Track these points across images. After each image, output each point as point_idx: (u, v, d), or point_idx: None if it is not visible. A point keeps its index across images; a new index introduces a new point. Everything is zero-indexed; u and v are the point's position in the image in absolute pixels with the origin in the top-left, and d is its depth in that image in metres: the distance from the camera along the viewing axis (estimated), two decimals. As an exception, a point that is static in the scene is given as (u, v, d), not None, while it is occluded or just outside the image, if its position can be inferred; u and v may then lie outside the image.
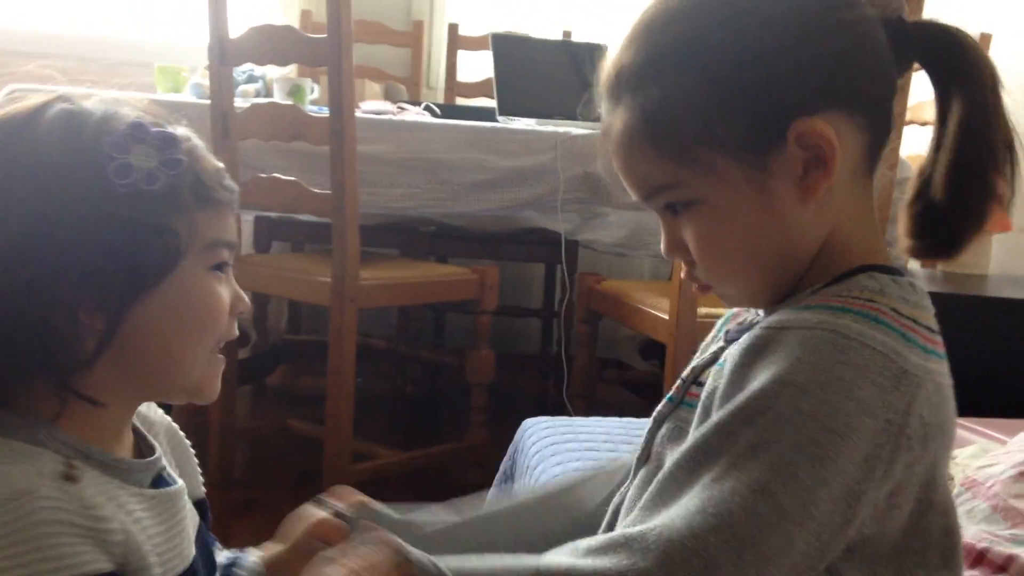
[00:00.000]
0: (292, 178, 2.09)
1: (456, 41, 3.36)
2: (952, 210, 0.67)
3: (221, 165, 0.76)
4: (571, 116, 2.38)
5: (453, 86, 3.37)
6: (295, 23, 3.10)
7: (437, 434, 2.77)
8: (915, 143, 2.91)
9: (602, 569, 0.61)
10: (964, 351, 2.05)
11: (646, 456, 0.78)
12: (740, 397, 0.62)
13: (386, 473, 2.29)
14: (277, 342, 2.95)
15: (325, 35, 1.96)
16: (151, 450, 0.78)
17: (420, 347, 2.92)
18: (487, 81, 2.97)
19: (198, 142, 0.75)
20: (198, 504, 0.84)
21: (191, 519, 0.79)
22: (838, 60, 0.66)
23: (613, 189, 2.05)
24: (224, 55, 2.13)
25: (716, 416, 0.63)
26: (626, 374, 2.96)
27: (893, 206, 2.09)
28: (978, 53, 0.68)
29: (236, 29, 2.12)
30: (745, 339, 0.65)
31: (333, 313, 2.07)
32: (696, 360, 0.78)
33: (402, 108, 2.53)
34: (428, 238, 2.80)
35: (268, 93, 2.59)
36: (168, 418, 0.86)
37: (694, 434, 0.65)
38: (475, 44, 3.30)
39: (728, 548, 0.59)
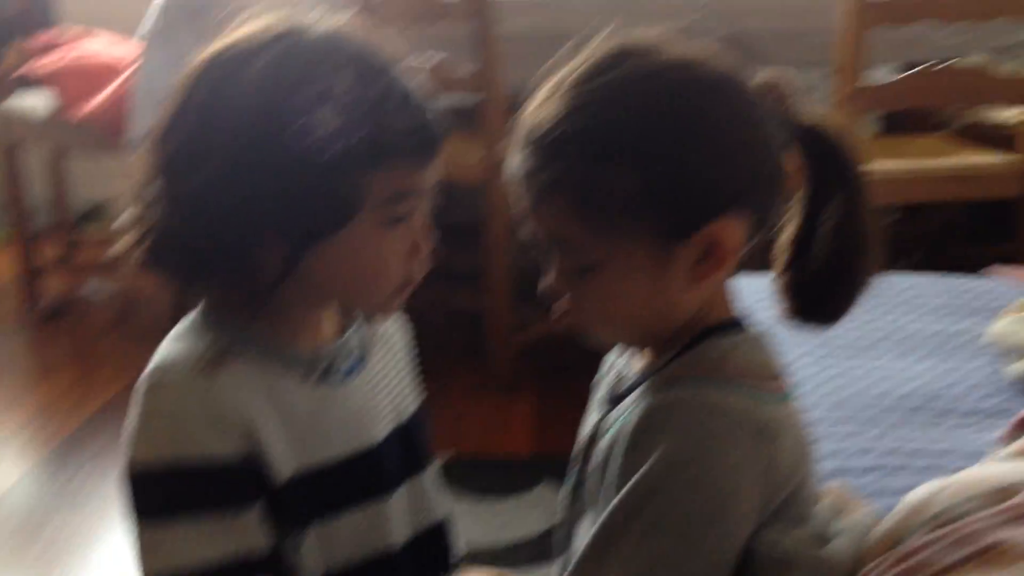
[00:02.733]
0: (438, 58, 2.11)
1: (592, -95, 3.25)
2: (832, 293, 0.75)
3: (419, 122, 0.76)
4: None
5: (591, -47, 3.27)
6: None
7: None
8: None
9: None
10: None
11: (566, 538, 0.83)
12: (632, 482, 0.69)
13: (547, 342, 2.36)
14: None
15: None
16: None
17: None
18: (626, -55, 2.88)
19: (402, 89, 0.76)
20: (417, 411, 0.92)
21: (383, 414, 0.86)
22: (753, 170, 0.71)
23: (767, 48, 1.99)
24: (366, -61, 2.15)
25: (612, 504, 0.70)
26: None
27: None
28: (856, 159, 0.74)
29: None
30: (626, 425, 0.72)
31: (485, 190, 2.12)
32: (581, 438, 0.82)
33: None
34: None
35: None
36: (404, 331, 0.94)
37: (593, 526, 0.71)
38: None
39: None
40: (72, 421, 2.24)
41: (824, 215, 0.74)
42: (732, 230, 0.70)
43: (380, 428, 0.85)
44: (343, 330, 0.86)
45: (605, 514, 0.71)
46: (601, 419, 0.80)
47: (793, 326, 0.77)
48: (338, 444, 0.81)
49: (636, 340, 0.78)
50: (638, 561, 0.69)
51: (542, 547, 1.68)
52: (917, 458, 1.03)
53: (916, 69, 1.92)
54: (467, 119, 2.18)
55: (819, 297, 0.75)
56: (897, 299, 1.52)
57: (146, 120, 2.33)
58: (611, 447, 0.74)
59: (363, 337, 0.88)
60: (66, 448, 2.12)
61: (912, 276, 1.63)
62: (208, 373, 0.76)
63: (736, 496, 0.68)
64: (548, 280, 0.75)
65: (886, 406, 1.17)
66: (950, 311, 1.47)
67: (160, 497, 0.74)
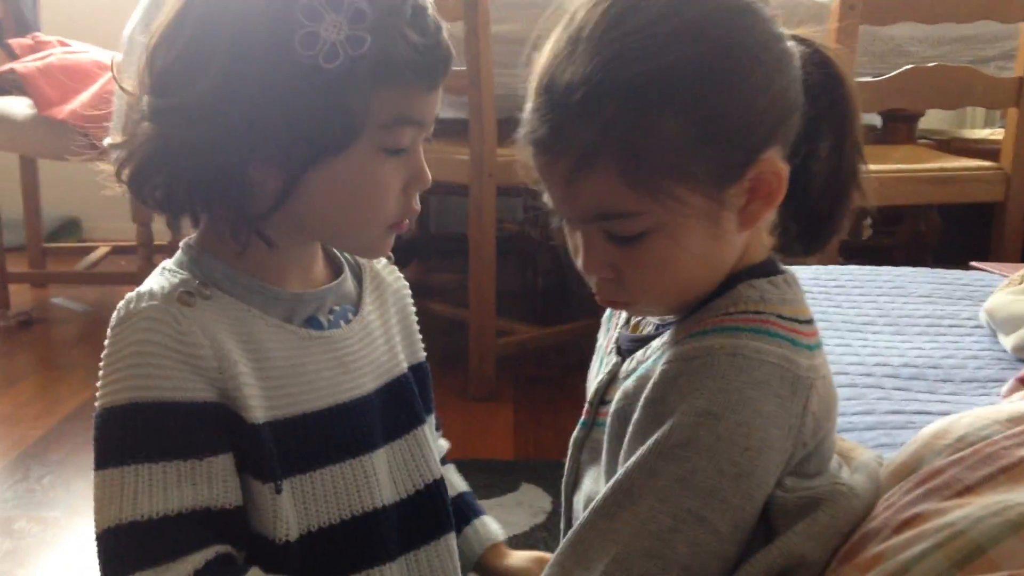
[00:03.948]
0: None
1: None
2: (830, 215, 0.72)
3: (431, 40, 0.72)
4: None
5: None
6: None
7: (572, 315, 2.80)
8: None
9: None
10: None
11: (574, 481, 0.80)
12: (658, 434, 0.64)
13: (528, 348, 2.34)
14: (409, 237, 3.03)
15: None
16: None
17: (551, 231, 2.95)
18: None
19: (409, 10, 0.72)
20: (417, 367, 0.87)
21: (374, 365, 0.81)
22: (789, 94, 0.67)
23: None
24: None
25: (635, 456, 0.65)
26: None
27: None
28: (850, 83, 0.72)
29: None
30: (650, 372, 0.67)
31: (472, 189, 2.11)
32: (597, 379, 0.78)
33: (527, -9, 2.51)
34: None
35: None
36: (403, 283, 0.89)
37: (610, 480, 0.67)
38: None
39: None
40: (36, 430, 2.18)
41: (818, 142, 0.71)
42: (777, 161, 0.66)
43: (368, 381, 0.81)
44: (335, 275, 0.82)
45: (623, 469, 0.66)
46: (621, 360, 0.76)
47: (781, 257, 0.73)
48: (320, 393, 0.77)
49: (684, 304, 0.71)
50: (658, 519, 0.64)
51: (529, 543, 1.65)
52: (920, 417, 1.02)
53: (907, 67, 1.94)
54: (457, 128, 2.18)
55: (809, 229, 0.73)
56: (885, 287, 1.52)
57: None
58: (633, 394, 0.69)
59: (358, 285, 0.84)
60: (29, 456, 2.05)
61: (897, 269, 1.63)
62: (181, 306, 0.71)
63: (769, 448, 0.64)
64: (588, 257, 0.69)
65: (886, 374, 1.15)
66: (937, 297, 1.48)
67: (120, 438, 0.69)
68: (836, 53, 0.72)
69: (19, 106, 2.59)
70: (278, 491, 0.73)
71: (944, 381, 1.14)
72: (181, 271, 0.75)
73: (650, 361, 0.70)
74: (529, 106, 0.68)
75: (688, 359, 0.66)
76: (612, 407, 0.72)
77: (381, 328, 0.84)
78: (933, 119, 2.84)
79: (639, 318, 0.78)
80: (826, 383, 0.69)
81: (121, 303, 0.73)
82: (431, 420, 0.89)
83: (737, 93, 0.64)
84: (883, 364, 1.18)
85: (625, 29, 0.64)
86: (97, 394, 0.71)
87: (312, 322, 0.78)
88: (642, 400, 0.67)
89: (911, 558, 0.62)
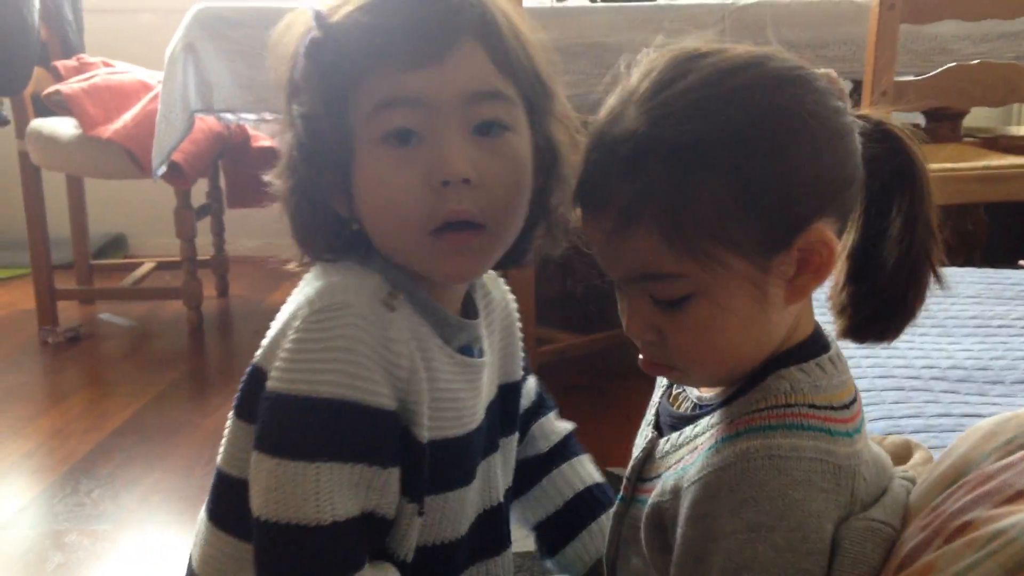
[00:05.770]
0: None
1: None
2: (904, 298, 0.69)
3: (390, 19, 0.70)
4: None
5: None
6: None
7: (612, 322, 2.80)
8: None
9: None
10: None
11: (615, 550, 0.79)
12: (719, 560, 0.63)
13: (568, 356, 2.33)
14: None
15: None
16: (474, 317, 0.81)
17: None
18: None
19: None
20: (511, 386, 0.87)
21: (486, 392, 0.81)
22: (842, 166, 0.66)
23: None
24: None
25: None
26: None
27: None
28: (919, 156, 0.70)
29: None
30: (696, 487, 0.66)
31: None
32: (634, 455, 0.77)
33: (561, -1, 2.52)
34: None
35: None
36: (510, 297, 0.89)
37: None
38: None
39: None
40: (85, 445, 2.21)
41: (888, 221, 0.69)
42: (828, 232, 0.65)
43: (481, 412, 0.80)
44: (466, 306, 0.82)
45: None
46: (657, 436, 0.76)
47: (852, 342, 0.72)
48: (462, 420, 0.77)
49: (730, 377, 0.70)
50: None
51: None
52: (969, 420, 0.99)
53: (950, 65, 1.91)
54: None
55: (882, 312, 0.70)
56: (931, 287, 1.49)
57: (167, 142, 2.33)
58: (671, 493, 0.68)
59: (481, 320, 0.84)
60: (79, 470, 2.08)
61: (943, 269, 1.59)
62: (385, 309, 0.70)
63: (825, 540, 0.64)
64: (632, 319, 0.69)
65: (933, 376, 1.13)
66: (986, 298, 1.45)
67: (318, 432, 0.68)
68: (907, 133, 0.70)
69: (65, 126, 2.65)
70: (420, 513, 0.72)
71: (994, 383, 1.12)
72: (370, 271, 0.73)
73: (684, 458, 0.69)
74: (579, 165, 0.68)
75: (726, 468, 0.65)
76: (650, 498, 0.71)
77: (492, 357, 0.84)
78: (978, 116, 2.79)
79: (679, 387, 0.77)
80: (871, 465, 0.68)
81: (316, 292, 0.71)
82: (512, 439, 0.88)
83: (781, 161, 0.63)
84: (931, 367, 1.16)
85: (673, 91, 0.64)
86: (286, 375, 0.69)
87: (465, 350, 0.78)
88: (687, 513, 0.66)
89: (963, 568, 0.61)
